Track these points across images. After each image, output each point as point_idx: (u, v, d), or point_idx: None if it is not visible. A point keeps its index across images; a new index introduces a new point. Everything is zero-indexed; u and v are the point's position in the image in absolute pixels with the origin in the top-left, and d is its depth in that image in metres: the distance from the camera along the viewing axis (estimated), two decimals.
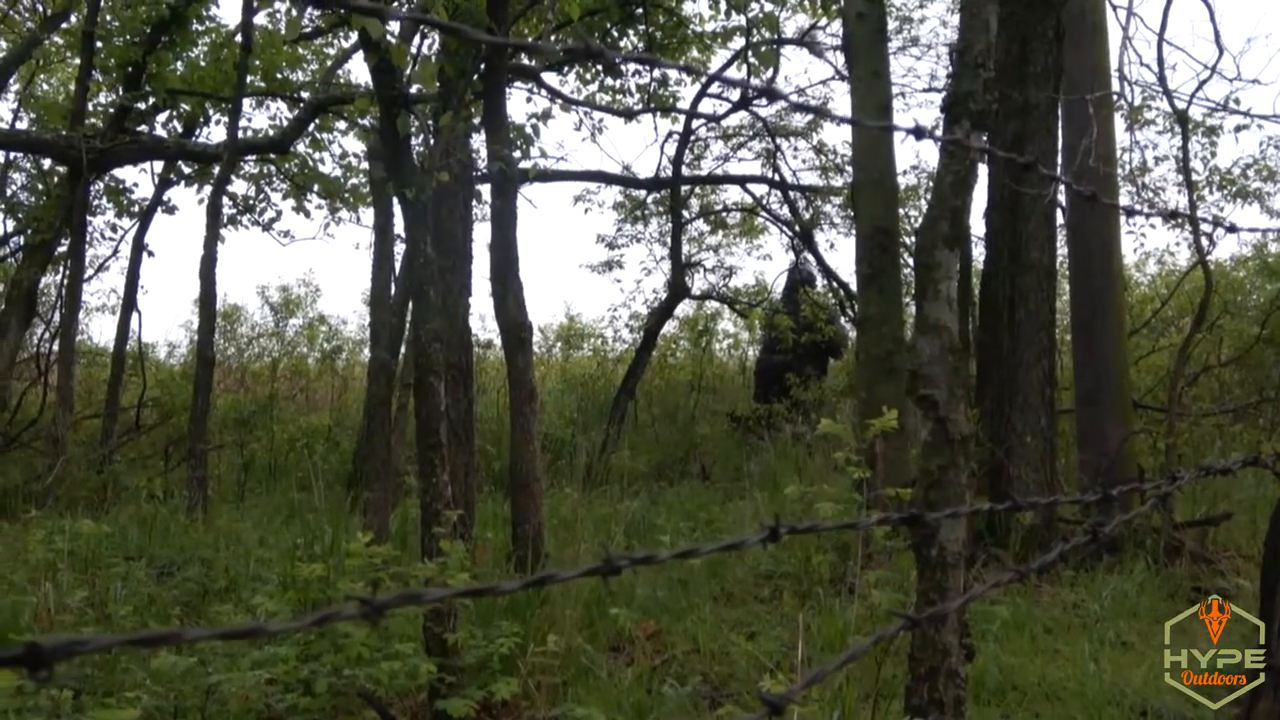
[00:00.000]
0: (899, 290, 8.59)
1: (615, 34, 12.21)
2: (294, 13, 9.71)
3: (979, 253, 8.43)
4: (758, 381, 15.51)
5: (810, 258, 15.80)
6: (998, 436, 7.54)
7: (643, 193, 16.09)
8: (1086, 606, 6.11)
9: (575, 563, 6.45)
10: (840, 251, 41.33)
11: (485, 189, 10.08)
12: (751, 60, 12.99)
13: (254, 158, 13.79)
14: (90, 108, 12.29)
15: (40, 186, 13.21)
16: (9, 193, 13.54)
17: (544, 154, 12.42)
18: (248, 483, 11.69)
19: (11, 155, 13.38)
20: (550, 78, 13.00)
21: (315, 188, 14.41)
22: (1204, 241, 8.82)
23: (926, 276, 2.57)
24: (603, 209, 17.20)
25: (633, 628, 5.22)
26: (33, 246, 11.71)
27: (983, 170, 7.60)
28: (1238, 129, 13.16)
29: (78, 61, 12.20)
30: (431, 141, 6.82)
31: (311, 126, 13.07)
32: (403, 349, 9.51)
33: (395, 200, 7.38)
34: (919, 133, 1.74)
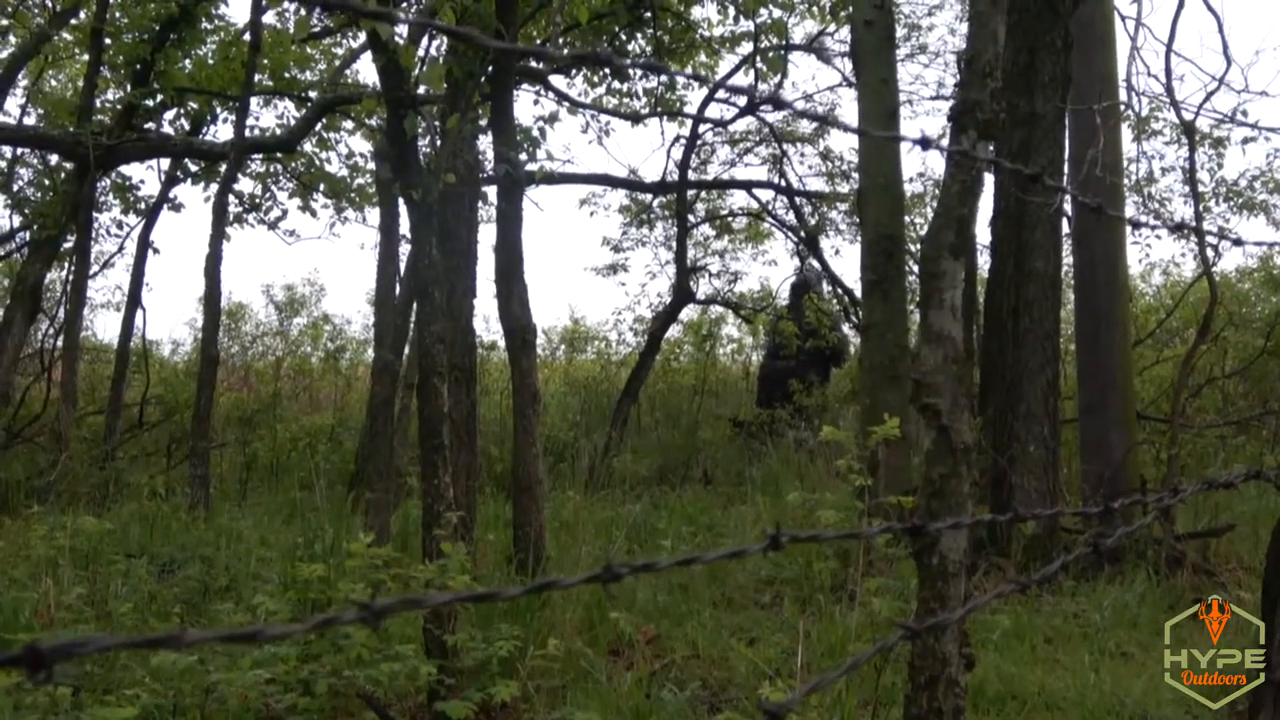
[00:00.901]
0: (904, 297, 8.60)
1: (624, 38, 12.21)
2: (303, 12, 9.73)
3: (984, 261, 8.42)
4: (761, 387, 15.49)
5: (815, 263, 15.79)
6: (1000, 445, 7.54)
7: (648, 196, 16.09)
8: (1087, 617, 6.10)
9: (576, 566, 6.45)
10: (845, 258, 41.33)
11: (491, 190, 10.09)
12: (760, 66, 12.99)
13: (260, 156, 13.80)
14: (98, 104, 12.31)
15: (47, 182, 13.22)
16: (16, 188, 13.55)
17: (550, 156, 12.39)
18: (250, 481, 11.69)
19: (19, 151, 13.40)
20: (558, 80, 13.01)
21: (321, 187, 14.43)
22: (1209, 253, 8.80)
23: (931, 285, 2.56)
24: (608, 212, 17.24)
25: (633, 632, 5.21)
26: (38, 242, 11.73)
27: (988, 179, 7.61)
28: (1245, 141, 13.18)
29: (86, 58, 12.23)
30: (438, 143, 6.83)
31: (318, 126, 13.09)
32: (406, 349, 9.51)
33: (401, 201, 7.40)
34: (925, 143, 1.74)
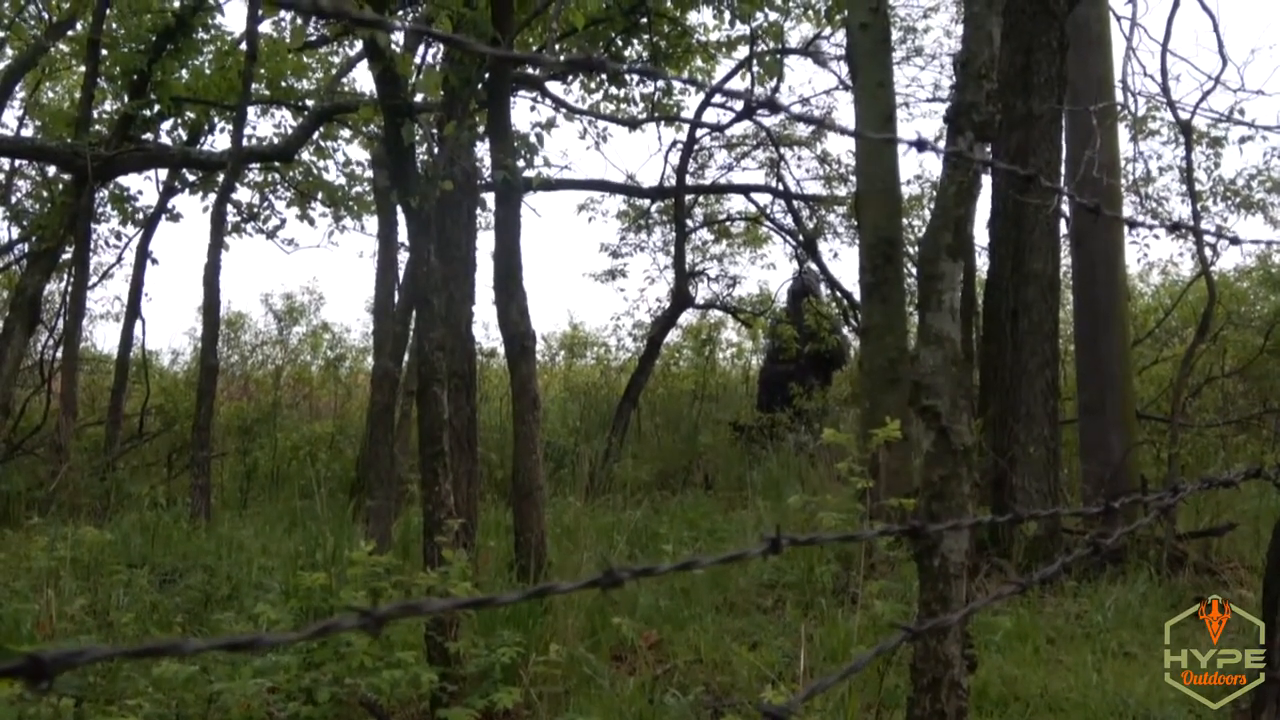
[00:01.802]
0: (903, 300, 8.59)
1: (620, 43, 12.22)
2: (299, 21, 9.74)
3: (983, 262, 8.42)
4: (761, 390, 15.49)
5: (814, 267, 15.79)
6: (1001, 446, 7.53)
7: (646, 201, 16.10)
8: (1089, 617, 6.09)
9: (578, 572, 6.44)
10: (844, 261, 41.28)
11: (488, 197, 10.09)
12: (756, 70, 13.00)
13: (258, 165, 13.81)
14: (95, 115, 12.32)
15: (45, 194, 13.23)
16: (14, 200, 13.57)
17: (548, 163, 12.41)
18: (250, 490, 11.69)
19: (17, 162, 13.41)
20: (554, 86, 13.02)
21: (319, 196, 14.43)
22: (1208, 253, 8.80)
23: (930, 287, 2.56)
24: (606, 218, 17.23)
25: (635, 637, 5.21)
26: (37, 254, 11.72)
27: (986, 180, 7.60)
28: (1242, 140, 13.18)
29: (83, 69, 12.23)
30: (435, 150, 6.83)
31: (316, 135, 13.09)
32: (406, 356, 9.51)
33: (399, 209, 7.40)
34: (921, 144, 1.74)
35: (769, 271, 32.04)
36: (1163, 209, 14.42)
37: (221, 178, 11.13)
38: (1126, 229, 9.67)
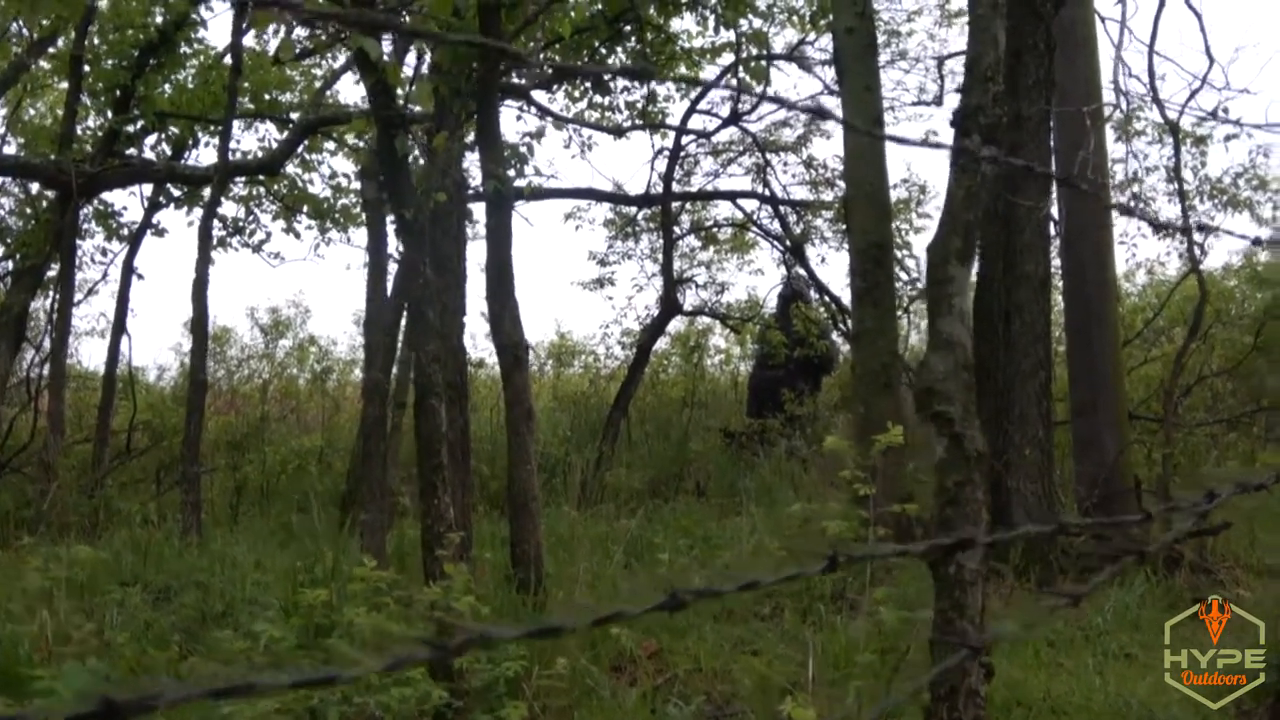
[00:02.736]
0: (894, 304, 8.59)
1: (604, 51, 12.20)
2: (283, 32, 9.69)
3: (974, 265, 8.41)
4: (751, 396, 15.47)
5: (802, 272, 15.79)
6: (995, 449, 7.52)
7: (633, 209, 16.07)
8: (1089, 619, 6.09)
9: (575, 583, 6.42)
10: (832, 266, 41.37)
11: (477, 207, 10.06)
12: (742, 75, 12.99)
13: (243, 179, 13.74)
14: (79, 131, 12.25)
15: (29, 211, 13.15)
16: None
17: (537, 171, 12.35)
18: (241, 505, 11.63)
19: (0, 180, 13.33)
20: (539, 95, 12.99)
21: (305, 209, 14.37)
22: (1196, 251, 8.82)
23: (939, 292, 2.55)
24: (593, 226, 17.16)
25: (634, 647, 5.18)
26: (22, 271, 11.66)
27: None
28: (1228, 138, 13.23)
29: (65, 86, 12.16)
30: (421, 161, 6.80)
31: (301, 148, 13.04)
32: (394, 369, 9.47)
33: (387, 220, 7.37)
34: (934, 145, 1.73)
35: (757, 277, 32.00)
36: (1150, 209, 14.44)
37: (207, 192, 11.08)
38: (1115, 231, 9.68)
